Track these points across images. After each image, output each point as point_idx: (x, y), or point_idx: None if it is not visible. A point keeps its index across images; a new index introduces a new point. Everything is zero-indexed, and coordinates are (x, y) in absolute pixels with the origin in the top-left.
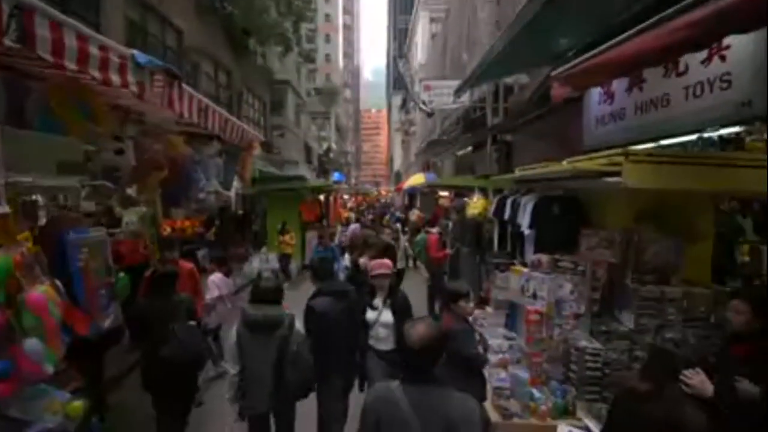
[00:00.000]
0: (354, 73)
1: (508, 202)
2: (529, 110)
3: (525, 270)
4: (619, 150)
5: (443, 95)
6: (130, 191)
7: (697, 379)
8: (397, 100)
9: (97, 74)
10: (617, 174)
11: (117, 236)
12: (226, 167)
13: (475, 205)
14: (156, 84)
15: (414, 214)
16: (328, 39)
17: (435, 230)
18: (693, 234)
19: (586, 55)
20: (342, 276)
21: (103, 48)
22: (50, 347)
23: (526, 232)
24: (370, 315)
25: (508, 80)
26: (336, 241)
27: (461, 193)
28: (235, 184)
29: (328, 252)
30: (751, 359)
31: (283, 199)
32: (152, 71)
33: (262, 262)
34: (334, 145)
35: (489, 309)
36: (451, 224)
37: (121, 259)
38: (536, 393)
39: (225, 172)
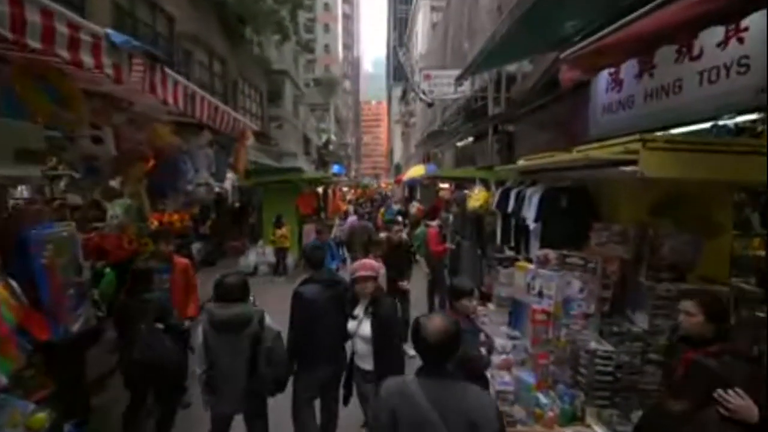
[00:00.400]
0: (354, 64)
1: (512, 194)
2: (532, 99)
3: (530, 266)
4: (635, 136)
5: (444, 85)
6: (114, 183)
7: (740, 403)
8: (397, 92)
9: (65, 54)
10: (633, 163)
11: (101, 230)
12: (218, 158)
13: (477, 197)
14: (135, 67)
15: (414, 207)
16: (327, 29)
17: (435, 223)
18: (712, 228)
19: (598, 35)
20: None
21: (72, 26)
22: (2, 355)
23: (532, 225)
24: (351, 325)
25: (511, 69)
26: (332, 234)
27: (462, 184)
28: (231, 176)
29: (325, 246)
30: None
31: (280, 192)
32: (130, 53)
33: (258, 256)
34: (333, 137)
35: (491, 306)
36: (451, 217)
37: (104, 255)
38: (542, 398)
39: (217, 163)
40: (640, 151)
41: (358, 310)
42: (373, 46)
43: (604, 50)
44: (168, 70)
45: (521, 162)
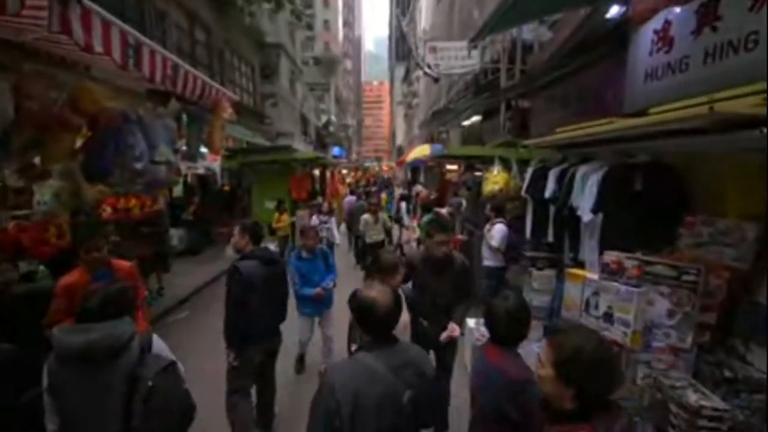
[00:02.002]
0: (355, 43)
1: (552, 174)
2: (551, 70)
3: (589, 275)
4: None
5: (451, 58)
6: (36, 160)
7: None
8: (399, 72)
9: None
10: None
11: (20, 222)
12: (189, 133)
13: (495, 179)
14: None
15: (418, 191)
16: (326, 3)
17: (445, 210)
18: None
19: None
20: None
21: None
22: None
23: (587, 217)
24: None
25: (527, 37)
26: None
27: (472, 166)
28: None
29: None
30: None
31: (272, 174)
32: None
33: None
34: (333, 118)
35: None
36: (464, 202)
37: (23, 252)
38: None
39: (188, 138)
40: None
41: None
42: (374, 25)
43: None
44: (93, 6)
45: (558, 134)
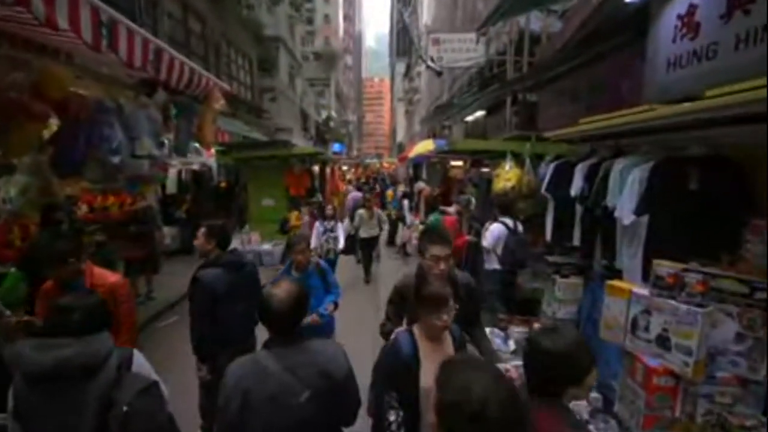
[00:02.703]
0: (355, 38)
1: (580, 170)
2: (561, 62)
3: (637, 290)
4: None
5: (454, 51)
6: None
7: None
8: (400, 68)
9: None
10: None
11: None
12: (178, 125)
13: (507, 175)
14: None
15: (421, 188)
16: None
17: (452, 209)
18: None
19: None
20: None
21: None
22: None
23: (627, 219)
24: None
25: (534, 28)
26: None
27: (479, 161)
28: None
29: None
30: None
31: (267, 170)
32: None
33: (243, 244)
34: (334, 114)
35: (537, 326)
36: (473, 200)
37: None
38: None
39: (177, 131)
40: None
41: None
42: (375, 21)
43: None
44: None
45: (583, 125)
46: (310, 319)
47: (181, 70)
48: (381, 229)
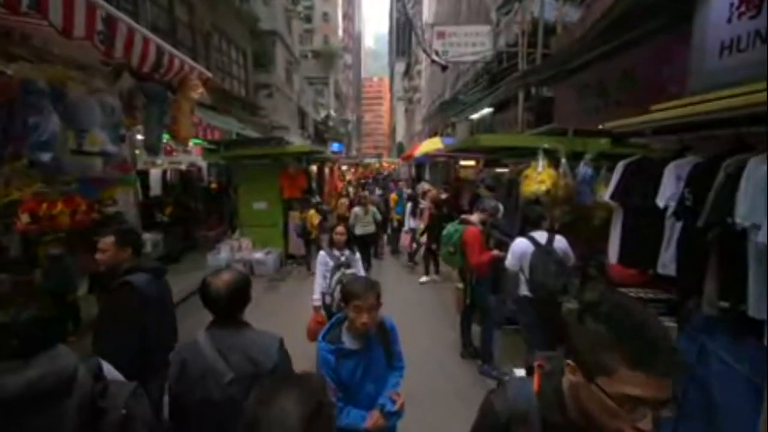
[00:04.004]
0: (354, 37)
1: (673, 171)
2: (586, 48)
3: None
4: None
5: (460, 44)
6: None
7: None
8: (400, 67)
9: None
10: None
11: None
12: (148, 117)
13: (541, 177)
14: None
15: (425, 189)
16: None
17: (475, 218)
18: None
19: None
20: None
21: None
22: None
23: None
24: None
25: (549, 18)
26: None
27: (495, 161)
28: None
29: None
30: None
31: (260, 170)
32: None
33: (233, 251)
34: (333, 113)
35: None
36: (501, 207)
37: None
38: None
39: (146, 124)
40: None
41: None
42: (374, 21)
43: None
44: None
45: (670, 109)
46: (370, 420)
47: (145, 48)
48: (377, 226)
